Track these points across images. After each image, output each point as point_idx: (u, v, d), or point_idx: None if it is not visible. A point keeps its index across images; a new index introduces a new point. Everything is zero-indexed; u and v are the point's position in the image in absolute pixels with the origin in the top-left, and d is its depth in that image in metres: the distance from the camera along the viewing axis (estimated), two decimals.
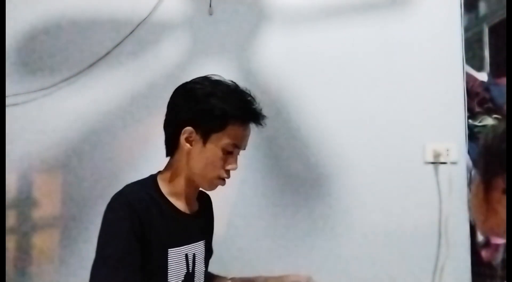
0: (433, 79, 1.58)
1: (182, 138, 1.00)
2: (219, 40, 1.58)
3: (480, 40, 2.42)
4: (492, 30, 2.38)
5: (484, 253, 1.62)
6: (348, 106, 1.59)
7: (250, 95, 1.03)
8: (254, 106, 1.02)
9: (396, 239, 1.55)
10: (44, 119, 1.52)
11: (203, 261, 1.08)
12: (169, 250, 0.97)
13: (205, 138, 0.99)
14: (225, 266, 1.24)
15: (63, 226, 1.52)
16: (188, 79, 1.05)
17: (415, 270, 1.55)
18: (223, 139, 0.99)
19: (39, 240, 1.50)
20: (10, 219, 1.49)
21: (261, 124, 1.04)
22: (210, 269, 1.23)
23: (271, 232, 1.56)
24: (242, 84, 1.05)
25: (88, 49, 1.54)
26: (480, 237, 1.62)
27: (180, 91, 1.04)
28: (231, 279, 1.17)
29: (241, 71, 1.56)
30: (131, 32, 1.55)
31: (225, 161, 1.01)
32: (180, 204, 1.04)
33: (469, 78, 1.69)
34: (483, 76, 1.79)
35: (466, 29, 1.72)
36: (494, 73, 1.99)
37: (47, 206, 1.52)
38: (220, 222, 1.50)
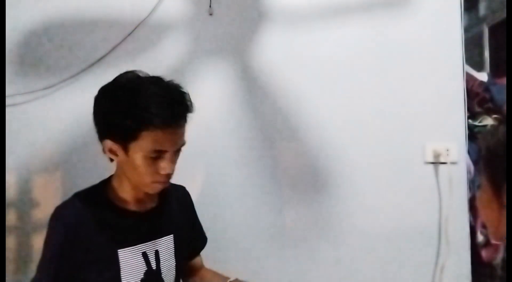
0: (433, 79, 1.58)
1: (106, 150, 0.98)
2: (219, 40, 1.58)
3: (480, 40, 2.43)
4: (492, 30, 2.39)
5: (484, 253, 1.62)
6: (348, 106, 1.59)
7: (156, 94, 0.93)
8: (163, 107, 0.91)
9: (396, 239, 1.56)
10: (44, 119, 1.52)
11: (171, 257, 1.08)
12: (118, 250, 0.98)
13: (125, 150, 0.95)
14: (224, 267, 1.24)
15: None
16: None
17: (415, 270, 1.55)
18: (143, 147, 0.92)
19: (39, 240, 1.50)
20: (10, 219, 1.49)
21: (177, 123, 0.93)
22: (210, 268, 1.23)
23: (270, 232, 1.56)
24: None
25: (88, 49, 1.54)
26: (480, 237, 1.63)
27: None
28: (233, 281, 1.16)
29: (241, 72, 1.56)
30: (131, 32, 1.54)
31: (157, 165, 0.94)
32: (131, 204, 1.03)
33: (469, 78, 1.69)
34: (483, 76, 1.79)
35: (466, 29, 1.71)
36: (494, 73, 2.00)
37: (47, 206, 1.51)
38: (219, 222, 1.50)
